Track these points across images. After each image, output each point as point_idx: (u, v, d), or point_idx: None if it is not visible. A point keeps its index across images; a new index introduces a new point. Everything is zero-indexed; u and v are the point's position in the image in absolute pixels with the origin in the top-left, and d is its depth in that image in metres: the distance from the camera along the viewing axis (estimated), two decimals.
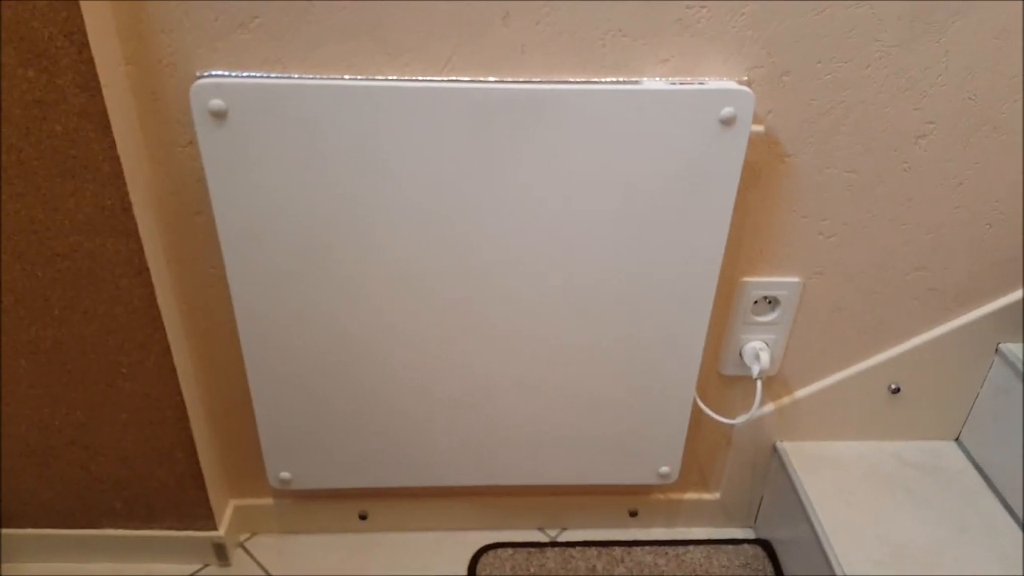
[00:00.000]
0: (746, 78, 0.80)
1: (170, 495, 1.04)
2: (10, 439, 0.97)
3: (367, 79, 0.77)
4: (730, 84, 0.78)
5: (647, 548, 1.13)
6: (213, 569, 1.11)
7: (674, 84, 0.78)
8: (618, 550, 1.13)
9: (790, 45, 0.78)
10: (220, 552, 1.10)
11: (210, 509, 1.06)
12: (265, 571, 1.10)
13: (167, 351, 0.90)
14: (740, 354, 0.99)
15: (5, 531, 1.07)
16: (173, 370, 0.92)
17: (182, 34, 0.75)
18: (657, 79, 0.79)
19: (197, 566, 1.11)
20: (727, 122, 0.78)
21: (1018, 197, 0.88)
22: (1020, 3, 0.77)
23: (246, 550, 1.13)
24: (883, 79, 0.80)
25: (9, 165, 0.77)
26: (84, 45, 0.71)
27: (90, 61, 0.72)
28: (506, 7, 0.75)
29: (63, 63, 0.72)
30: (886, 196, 0.88)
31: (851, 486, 1.02)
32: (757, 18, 0.77)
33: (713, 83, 0.78)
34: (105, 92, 0.74)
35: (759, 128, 0.81)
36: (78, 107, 0.74)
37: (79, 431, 0.97)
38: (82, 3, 0.69)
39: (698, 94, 0.77)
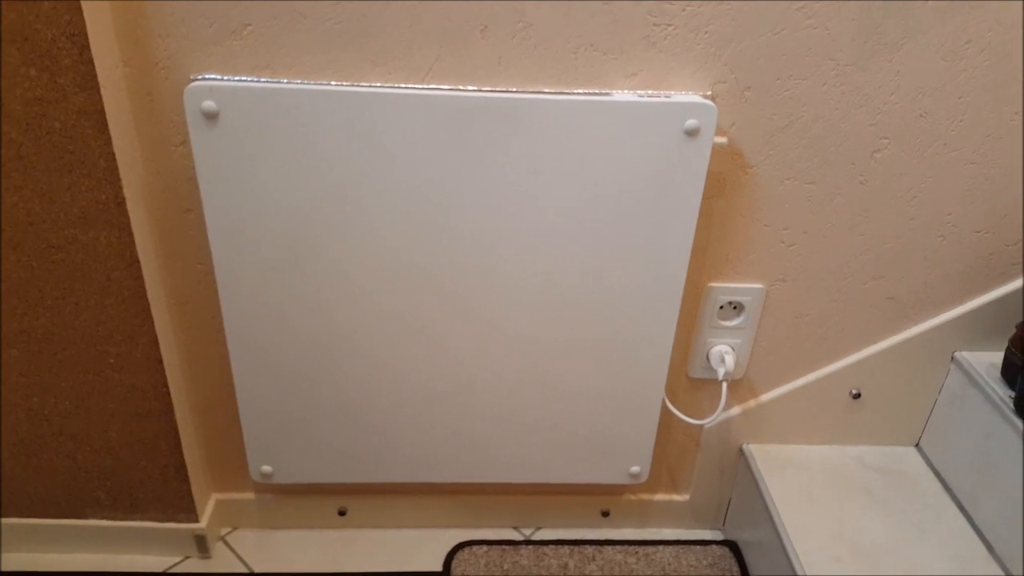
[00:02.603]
0: (710, 92, 0.85)
1: (154, 486, 1.07)
2: (1, 428, 1.00)
3: (352, 85, 0.81)
4: (694, 98, 0.83)
5: (618, 547, 1.16)
6: (194, 561, 1.13)
7: (642, 97, 0.83)
8: (590, 549, 1.16)
9: (751, 62, 0.83)
10: (201, 544, 1.12)
11: (192, 501, 1.08)
12: (245, 565, 1.13)
13: (155, 343, 0.94)
14: (707, 357, 1.03)
15: None
16: (160, 362, 0.95)
17: (178, 39, 0.79)
18: (626, 92, 0.84)
19: (178, 558, 1.13)
20: (691, 133, 0.83)
21: (968, 211, 0.93)
22: (962, 28, 0.82)
23: (227, 544, 1.16)
24: (839, 96, 0.85)
25: (9, 159, 0.81)
26: (85, 47, 0.75)
27: (90, 62, 0.76)
28: (485, 21, 0.80)
29: (64, 63, 0.76)
30: (844, 207, 0.93)
31: (814, 488, 1.06)
32: (720, 37, 0.82)
33: (678, 96, 0.83)
34: (103, 92, 0.78)
35: (722, 140, 0.86)
36: (77, 105, 0.78)
37: (67, 420, 1.00)
38: (84, 7, 0.73)
39: (664, 106, 0.82)
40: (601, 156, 0.84)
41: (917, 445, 1.13)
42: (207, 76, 0.81)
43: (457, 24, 0.80)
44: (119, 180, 0.83)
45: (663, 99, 0.82)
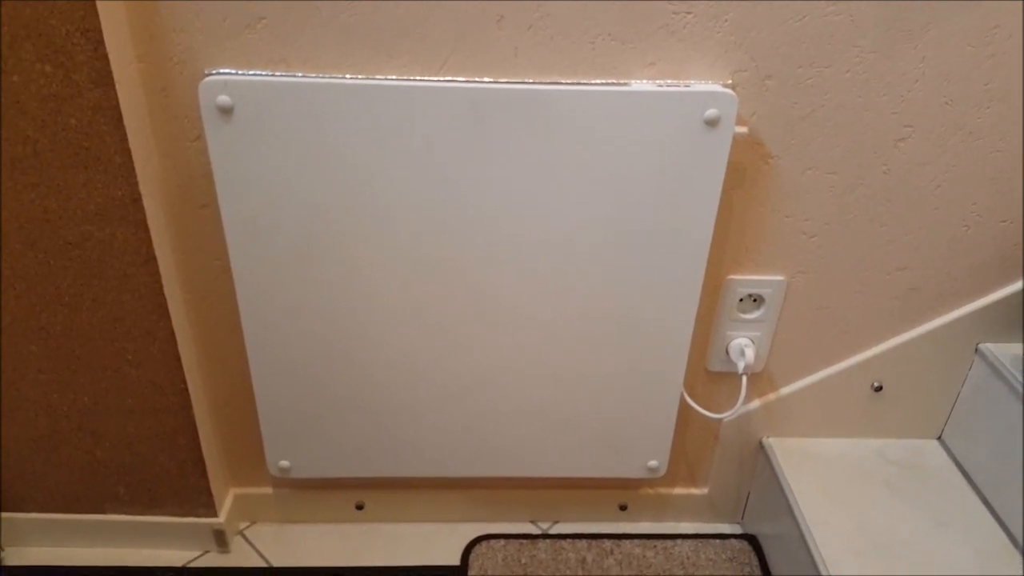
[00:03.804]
0: (730, 81, 0.83)
1: (172, 482, 1.07)
2: (20, 424, 1.00)
3: (368, 78, 0.81)
4: (714, 87, 0.81)
5: (636, 541, 1.16)
6: (213, 556, 1.13)
7: (661, 86, 0.81)
8: (608, 543, 1.15)
9: (772, 50, 0.82)
10: (220, 539, 1.12)
11: (211, 496, 1.09)
12: (264, 559, 1.13)
13: (172, 339, 0.94)
14: (726, 350, 1.02)
15: (12, 515, 1.10)
16: (177, 358, 0.95)
17: (192, 33, 0.79)
18: (644, 81, 0.83)
19: (197, 552, 1.14)
20: (711, 123, 0.82)
21: (994, 200, 0.91)
22: (989, 12, 0.80)
23: (245, 538, 1.16)
24: (862, 83, 0.84)
25: (25, 156, 0.81)
26: (99, 43, 0.75)
27: (104, 58, 0.76)
28: (500, 11, 0.79)
29: (79, 59, 0.76)
30: (867, 197, 0.91)
31: (834, 482, 1.05)
32: (740, 24, 0.80)
33: (698, 85, 0.82)
34: (118, 88, 0.78)
35: (743, 129, 0.85)
36: (92, 101, 0.78)
37: (86, 416, 1.00)
38: (98, 3, 0.73)
39: (683, 96, 0.81)
40: (619, 147, 0.83)
41: (939, 438, 1.12)
42: (222, 71, 0.80)
43: (472, 15, 0.79)
44: (135, 176, 0.83)
45: (682, 88, 0.81)
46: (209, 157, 0.83)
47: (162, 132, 0.85)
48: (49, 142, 0.80)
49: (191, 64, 0.81)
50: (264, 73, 0.80)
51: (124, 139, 0.80)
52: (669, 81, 0.83)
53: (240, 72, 0.80)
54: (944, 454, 1.10)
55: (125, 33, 0.78)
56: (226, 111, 0.80)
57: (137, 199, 0.84)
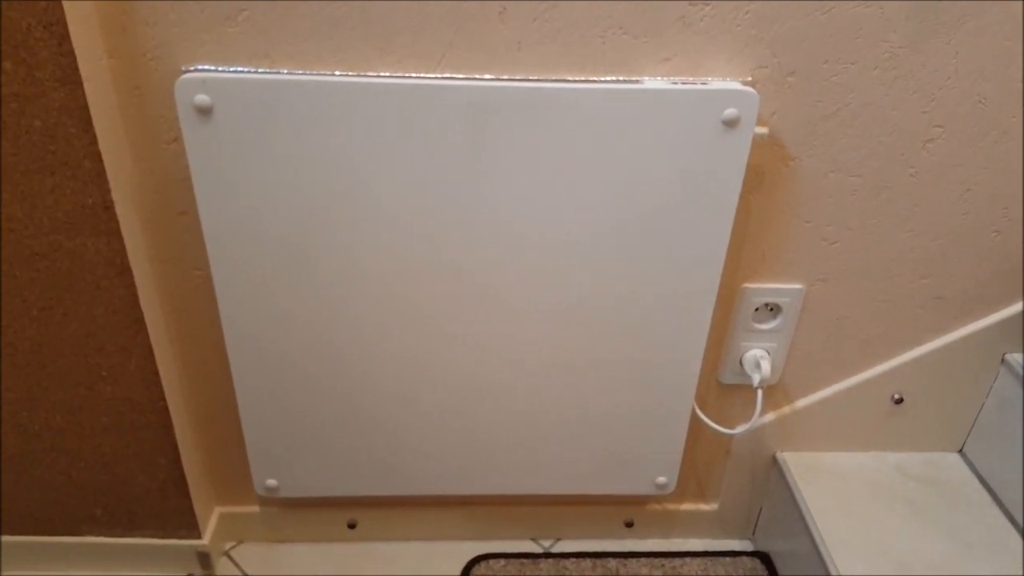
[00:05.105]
0: (750, 78, 0.78)
1: (153, 502, 1.01)
2: None
3: (358, 75, 0.75)
4: (734, 84, 0.76)
5: (643, 559, 1.11)
6: None
7: (676, 84, 0.76)
8: (613, 562, 1.10)
9: (796, 45, 0.76)
10: (205, 561, 1.07)
11: (194, 517, 1.03)
12: None
13: (150, 354, 0.88)
14: (740, 362, 0.97)
15: None
16: (156, 373, 0.89)
17: (167, 27, 0.73)
18: (658, 79, 0.77)
19: (181, 574, 1.08)
20: (730, 123, 0.76)
21: None
22: None
23: (231, 559, 1.11)
24: (891, 81, 0.78)
25: None
26: (64, 37, 0.69)
27: (71, 54, 0.69)
28: (502, 3, 0.73)
29: (42, 55, 0.69)
30: (892, 201, 0.86)
31: (852, 498, 1.00)
32: (762, 17, 0.74)
33: (716, 83, 0.76)
34: (86, 86, 0.71)
35: (763, 130, 0.79)
36: (58, 101, 0.72)
37: (59, 436, 0.94)
38: None
39: (700, 94, 0.75)
40: (631, 149, 0.77)
41: (960, 451, 1.07)
42: (200, 67, 0.74)
43: (472, 7, 0.73)
44: (106, 182, 0.76)
45: (699, 86, 0.75)
46: (187, 160, 0.77)
47: (136, 134, 0.79)
48: (11, 145, 0.74)
49: (166, 60, 0.74)
50: (246, 70, 0.74)
51: (94, 142, 0.74)
52: (685, 78, 0.77)
53: (220, 69, 0.74)
54: (966, 468, 1.05)
55: (93, 27, 0.72)
56: (205, 111, 0.74)
57: (109, 206, 0.78)
